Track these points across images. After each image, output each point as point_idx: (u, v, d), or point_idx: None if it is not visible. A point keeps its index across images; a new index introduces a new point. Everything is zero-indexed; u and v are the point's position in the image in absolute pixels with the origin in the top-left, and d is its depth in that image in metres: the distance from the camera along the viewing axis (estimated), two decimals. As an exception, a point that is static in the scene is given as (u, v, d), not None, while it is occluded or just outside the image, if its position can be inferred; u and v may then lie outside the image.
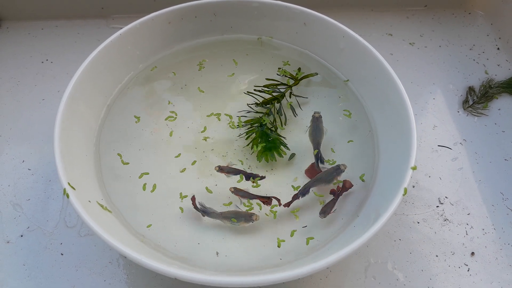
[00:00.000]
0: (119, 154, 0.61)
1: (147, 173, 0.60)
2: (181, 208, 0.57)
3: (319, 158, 0.59)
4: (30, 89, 0.75)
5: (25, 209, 0.62)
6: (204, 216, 0.56)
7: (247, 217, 0.55)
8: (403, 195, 0.48)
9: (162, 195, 0.58)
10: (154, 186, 0.59)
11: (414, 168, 0.50)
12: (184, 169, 0.60)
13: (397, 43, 0.84)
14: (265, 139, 0.61)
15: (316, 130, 0.61)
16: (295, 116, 0.66)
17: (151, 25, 0.64)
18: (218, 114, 0.66)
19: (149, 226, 0.55)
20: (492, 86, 0.77)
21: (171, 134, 0.64)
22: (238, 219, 0.54)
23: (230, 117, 0.66)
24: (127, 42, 0.63)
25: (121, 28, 0.63)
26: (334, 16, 0.66)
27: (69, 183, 0.48)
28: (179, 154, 0.62)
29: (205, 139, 0.64)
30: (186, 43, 0.70)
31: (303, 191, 0.56)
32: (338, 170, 0.58)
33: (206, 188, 0.59)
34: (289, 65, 0.70)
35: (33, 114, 0.71)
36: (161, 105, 0.66)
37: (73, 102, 0.55)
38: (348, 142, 0.63)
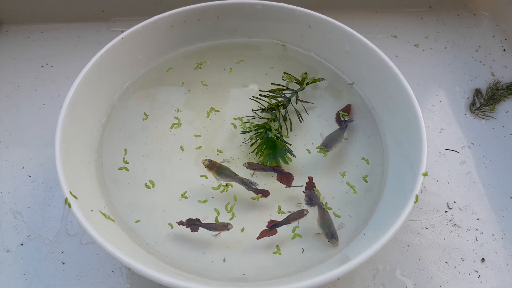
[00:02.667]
0: (122, 161, 0.60)
1: (152, 181, 0.58)
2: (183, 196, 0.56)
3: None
4: (30, 93, 0.73)
5: (25, 217, 0.61)
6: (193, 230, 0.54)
7: (223, 226, 0.54)
8: (414, 202, 0.47)
9: (167, 203, 0.57)
10: (159, 194, 0.57)
11: (425, 175, 0.49)
12: (191, 176, 0.59)
13: (401, 45, 0.83)
14: (271, 145, 0.60)
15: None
16: (301, 122, 0.64)
17: (154, 28, 0.63)
18: (223, 119, 0.65)
19: (153, 235, 0.54)
20: (499, 88, 0.76)
21: (175, 140, 0.62)
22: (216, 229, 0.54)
23: (235, 123, 0.64)
24: (129, 46, 0.62)
25: (122, 32, 0.61)
26: (338, 17, 0.65)
27: (70, 192, 0.47)
28: (184, 161, 0.61)
29: (210, 144, 0.62)
30: (189, 47, 0.69)
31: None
32: (301, 213, 0.54)
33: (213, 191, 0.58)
34: (306, 76, 0.68)
35: (33, 119, 0.70)
36: (165, 110, 0.65)
37: (74, 108, 0.54)
38: (356, 147, 0.62)
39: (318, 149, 0.60)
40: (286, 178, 0.58)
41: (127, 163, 0.60)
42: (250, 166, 0.59)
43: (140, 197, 0.57)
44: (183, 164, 0.60)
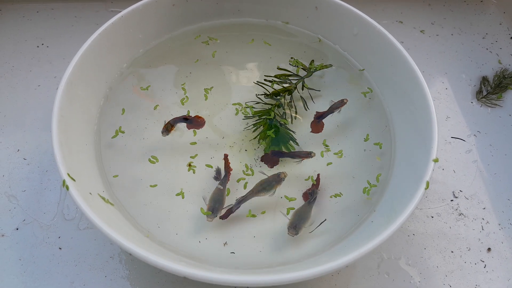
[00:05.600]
0: (121, 144, 0.58)
1: (152, 163, 0.57)
2: (182, 194, 0.55)
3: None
4: (25, 74, 0.71)
5: (20, 200, 0.59)
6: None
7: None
8: (425, 189, 0.45)
9: (167, 187, 0.55)
10: (159, 178, 0.56)
11: (436, 161, 0.47)
12: (191, 161, 0.57)
13: (408, 31, 0.81)
14: (274, 132, 0.58)
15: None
16: (306, 110, 0.63)
17: (155, 7, 0.61)
18: (225, 103, 0.63)
19: (154, 220, 0.52)
20: (506, 76, 0.75)
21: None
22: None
23: (239, 106, 0.62)
24: (129, 25, 0.59)
25: (120, 12, 0.59)
26: (344, 0, 0.63)
27: (68, 174, 0.45)
28: (185, 145, 0.59)
29: (212, 128, 0.60)
30: (191, 26, 0.66)
31: (238, 203, 0.52)
32: (277, 178, 0.53)
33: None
34: (313, 63, 0.65)
35: (28, 101, 0.68)
36: (165, 92, 0.63)
37: (72, 88, 0.52)
38: (363, 136, 0.60)
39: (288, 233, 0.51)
40: (194, 125, 0.58)
41: (130, 153, 0.58)
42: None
43: (140, 181, 0.55)
44: (185, 146, 0.58)
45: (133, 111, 0.61)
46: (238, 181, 0.56)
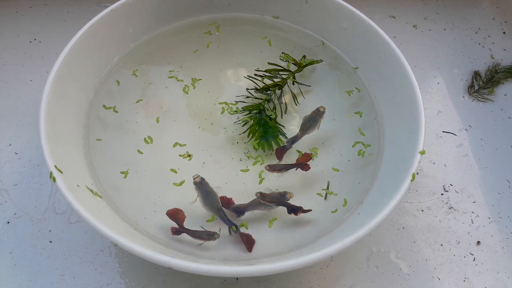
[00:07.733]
0: (110, 137, 0.58)
1: (140, 157, 0.57)
2: (175, 184, 0.55)
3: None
4: (17, 69, 0.71)
5: (11, 194, 0.59)
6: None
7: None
8: (411, 180, 0.46)
9: (156, 180, 0.55)
10: (147, 171, 0.56)
11: (422, 153, 0.48)
12: (182, 154, 0.57)
13: (400, 26, 0.81)
14: (263, 127, 0.58)
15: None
16: (297, 105, 0.63)
17: (145, 1, 0.61)
18: (215, 99, 0.63)
19: (142, 213, 0.53)
20: (498, 71, 0.75)
21: (166, 118, 0.61)
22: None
23: (225, 105, 0.63)
24: (119, 19, 0.59)
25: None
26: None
27: (55, 166, 0.45)
28: (173, 139, 0.59)
29: (200, 124, 0.61)
30: (181, 21, 0.66)
31: (291, 143, 0.57)
32: (319, 112, 0.58)
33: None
34: (304, 58, 0.65)
35: (20, 96, 0.68)
36: (155, 87, 0.63)
37: (61, 82, 0.52)
38: (351, 126, 0.60)
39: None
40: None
41: (119, 147, 0.58)
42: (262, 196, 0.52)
43: (129, 173, 0.55)
44: (173, 142, 0.59)
45: (123, 104, 0.61)
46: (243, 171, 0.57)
